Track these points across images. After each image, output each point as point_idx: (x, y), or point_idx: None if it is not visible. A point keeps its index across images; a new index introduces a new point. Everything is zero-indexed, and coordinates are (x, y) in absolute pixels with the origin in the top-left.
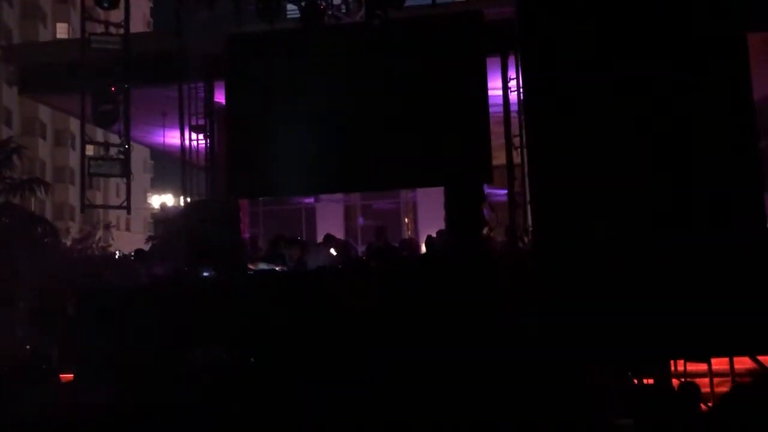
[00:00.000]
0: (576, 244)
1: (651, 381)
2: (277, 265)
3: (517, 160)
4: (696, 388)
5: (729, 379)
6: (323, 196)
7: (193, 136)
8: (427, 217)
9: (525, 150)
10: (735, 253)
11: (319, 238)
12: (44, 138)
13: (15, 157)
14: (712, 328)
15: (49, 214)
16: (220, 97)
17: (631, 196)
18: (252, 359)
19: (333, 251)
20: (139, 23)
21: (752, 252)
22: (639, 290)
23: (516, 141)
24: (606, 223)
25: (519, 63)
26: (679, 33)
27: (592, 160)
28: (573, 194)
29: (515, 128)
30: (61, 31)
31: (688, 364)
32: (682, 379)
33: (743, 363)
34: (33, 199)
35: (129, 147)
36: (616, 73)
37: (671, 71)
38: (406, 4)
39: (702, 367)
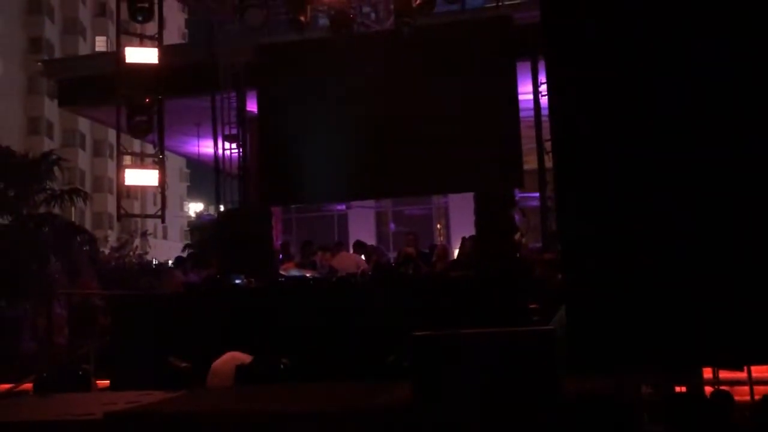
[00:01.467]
0: (604, 249)
1: (683, 389)
2: (308, 271)
3: (549, 164)
4: (728, 396)
5: None
6: (355, 203)
7: (227, 145)
8: (459, 222)
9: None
10: None
11: (351, 245)
12: (84, 149)
13: (56, 169)
14: (746, 335)
15: (88, 223)
16: (252, 107)
17: (662, 199)
18: (282, 365)
19: (363, 257)
20: (175, 35)
21: None
22: (669, 296)
23: (548, 145)
24: (635, 226)
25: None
26: (711, 30)
27: (620, 163)
28: (601, 199)
29: (546, 132)
30: (100, 44)
31: (724, 371)
32: (716, 387)
33: None
34: (73, 209)
35: (163, 157)
36: (641, 73)
37: (703, 72)
38: (435, 10)
39: (742, 374)
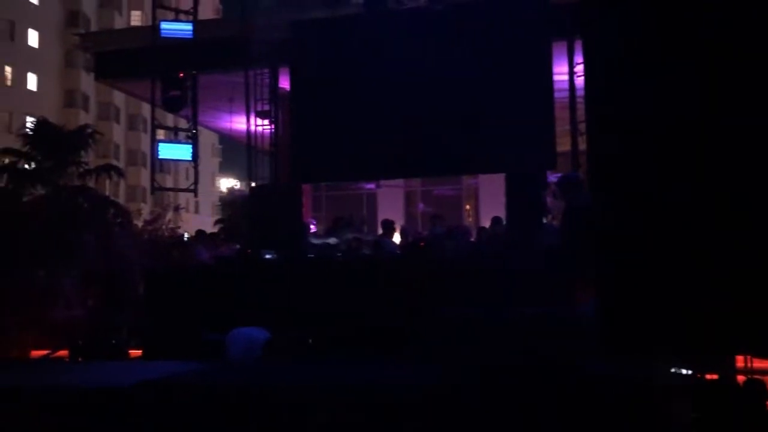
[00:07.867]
0: (637, 233)
1: (715, 376)
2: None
3: (582, 146)
4: (763, 384)
5: None
6: (384, 182)
7: (259, 121)
8: (488, 203)
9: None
10: None
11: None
12: (118, 122)
13: (90, 142)
14: None
15: (122, 196)
16: (285, 83)
17: (698, 187)
18: (310, 340)
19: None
20: (209, 10)
21: None
22: (702, 281)
23: (582, 127)
24: (670, 212)
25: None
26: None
27: (656, 148)
28: (634, 184)
29: (581, 114)
30: (135, 18)
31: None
32: (750, 376)
33: None
34: (108, 182)
35: (196, 132)
36: (679, 59)
37: (740, 64)
38: None
39: None
